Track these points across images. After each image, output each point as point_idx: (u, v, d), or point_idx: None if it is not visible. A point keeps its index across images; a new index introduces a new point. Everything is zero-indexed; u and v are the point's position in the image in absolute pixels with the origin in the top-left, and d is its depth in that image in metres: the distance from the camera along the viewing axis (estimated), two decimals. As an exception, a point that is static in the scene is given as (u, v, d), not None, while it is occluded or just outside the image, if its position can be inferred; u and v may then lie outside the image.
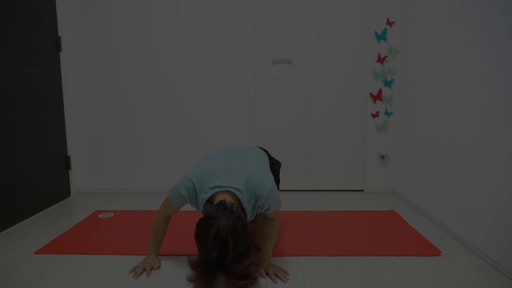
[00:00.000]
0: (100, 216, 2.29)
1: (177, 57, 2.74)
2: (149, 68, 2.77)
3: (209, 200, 1.45)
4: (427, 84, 2.25)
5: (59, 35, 2.63)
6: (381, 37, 2.68)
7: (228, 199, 1.38)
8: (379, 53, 2.70)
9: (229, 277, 1.22)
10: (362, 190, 2.89)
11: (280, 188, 2.88)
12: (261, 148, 1.90)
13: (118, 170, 2.88)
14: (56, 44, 2.61)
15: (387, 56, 2.70)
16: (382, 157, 2.80)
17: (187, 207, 2.47)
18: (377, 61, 2.71)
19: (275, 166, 1.88)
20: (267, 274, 1.56)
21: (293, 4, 2.69)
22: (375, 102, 2.76)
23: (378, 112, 2.76)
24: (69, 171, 2.77)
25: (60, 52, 2.64)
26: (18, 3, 2.22)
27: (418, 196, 2.38)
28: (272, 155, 2.83)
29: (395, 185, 2.81)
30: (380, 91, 2.74)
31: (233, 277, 1.22)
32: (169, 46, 2.74)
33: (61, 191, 2.67)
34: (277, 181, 1.92)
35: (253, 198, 1.44)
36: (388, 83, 2.72)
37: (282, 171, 2.85)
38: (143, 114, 2.82)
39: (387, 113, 2.76)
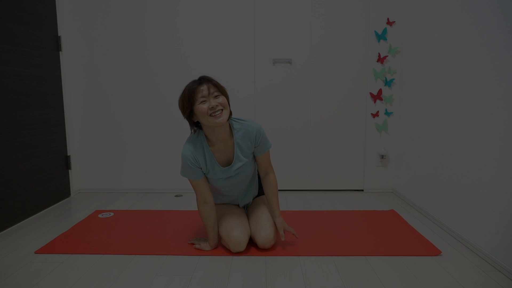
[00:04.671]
0: (100, 216, 2.29)
1: (176, 57, 2.74)
2: (148, 68, 2.77)
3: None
4: (427, 83, 2.25)
5: (59, 35, 2.63)
6: (381, 36, 2.68)
7: None
8: (379, 53, 2.70)
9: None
10: (362, 190, 2.89)
11: (281, 188, 2.88)
12: None
13: (118, 170, 2.88)
14: (56, 44, 2.61)
15: (387, 56, 2.70)
16: (382, 157, 2.80)
17: (186, 208, 2.47)
18: (377, 61, 2.71)
19: None
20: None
21: (293, 4, 2.69)
22: (375, 102, 2.76)
23: (378, 112, 2.76)
24: (69, 171, 2.77)
25: (60, 52, 2.64)
26: (18, 3, 2.22)
27: (418, 196, 2.38)
28: (272, 154, 2.83)
29: (395, 185, 2.81)
30: (380, 91, 2.73)
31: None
32: (168, 45, 2.74)
33: (61, 191, 2.67)
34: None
35: (246, 135, 1.66)
36: (388, 83, 2.72)
37: (282, 171, 2.85)
38: (143, 114, 2.82)
39: (387, 113, 2.76)
